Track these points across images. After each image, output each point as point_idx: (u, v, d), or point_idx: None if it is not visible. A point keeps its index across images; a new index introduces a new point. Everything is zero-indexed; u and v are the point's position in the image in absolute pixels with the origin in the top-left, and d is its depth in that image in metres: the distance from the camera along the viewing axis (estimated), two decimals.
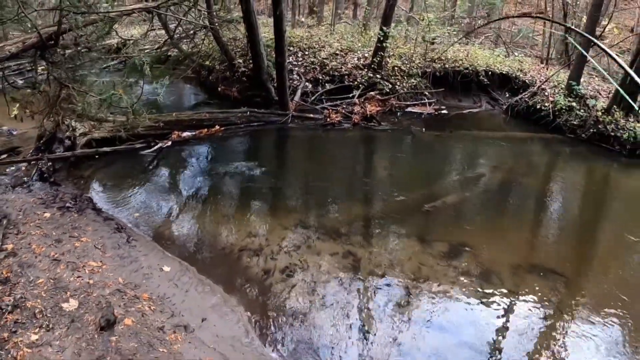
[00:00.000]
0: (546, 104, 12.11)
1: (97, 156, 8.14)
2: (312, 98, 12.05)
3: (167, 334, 4.19)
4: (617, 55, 17.77)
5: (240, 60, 12.50)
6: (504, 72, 13.84)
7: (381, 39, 12.38)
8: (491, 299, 5.45)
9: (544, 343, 4.93)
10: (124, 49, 10.96)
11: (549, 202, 8.74)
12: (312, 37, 14.40)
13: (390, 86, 12.57)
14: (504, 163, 10.25)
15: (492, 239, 6.87)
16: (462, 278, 5.77)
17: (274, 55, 11.12)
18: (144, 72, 6.35)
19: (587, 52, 12.63)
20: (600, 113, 11.29)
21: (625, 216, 8.33)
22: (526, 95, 12.78)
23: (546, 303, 5.46)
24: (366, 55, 13.38)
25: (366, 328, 4.87)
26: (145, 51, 12.05)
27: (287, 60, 11.42)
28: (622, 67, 9.40)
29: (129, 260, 5.30)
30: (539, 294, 5.61)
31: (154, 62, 9.53)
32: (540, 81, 13.10)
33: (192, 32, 11.63)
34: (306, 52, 13.40)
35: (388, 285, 5.56)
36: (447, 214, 7.55)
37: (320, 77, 12.66)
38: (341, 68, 12.88)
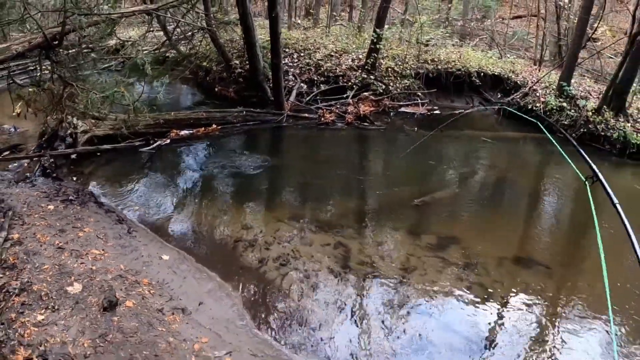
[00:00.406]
0: (537, 105, 12.38)
1: (98, 153, 8.40)
2: (307, 98, 12.32)
3: (166, 315, 4.45)
4: (610, 57, 18.12)
5: (237, 62, 12.76)
6: (496, 74, 14.15)
7: (375, 40, 12.67)
8: (476, 288, 5.69)
9: (527, 329, 5.17)
10: (123, 50, 11.23)
11: (538, 200, 9.02)
12: (307, 39, 14.68)
13: (383, 87, 12.87)
14: (494, 161, 10.52)
15: (480, 233, 7.14)
16: (448, 268, 6.02)
17: (269, 57, 11.39)
18: (146, 72, 6.60)
19: (578, 54, 12.95)
20: (590, 113, 11.56)
21: (614, 214, 8.56)
22: (518, 96, 13.06)
23: (530, 293, 5.71)
24: (360, 56, 13.66)
25: (355, 312, 5.12)
26: (144, 52, 12.33)
27: (283, 62, 11.71)
28: None
29: (129, 249, 5.56)
30: (523, 284, 5.87)
31: (153, 62, 9.78)
32: (532, 82, 13.39)
33: (190, 33, 11.90)
34: (302, 54, 13.68)
35: (377, 274, 5.82)
36: (436, 208, 7.82)
37: (315, 78, 12.93)
38: (336, 69, 13.16)
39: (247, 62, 12.20)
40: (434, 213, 7.73)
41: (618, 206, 3.56)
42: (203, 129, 10.04)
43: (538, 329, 5.18)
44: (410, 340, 4.81)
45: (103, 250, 5.34)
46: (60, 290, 4.45)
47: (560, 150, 5.31)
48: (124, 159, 8.62)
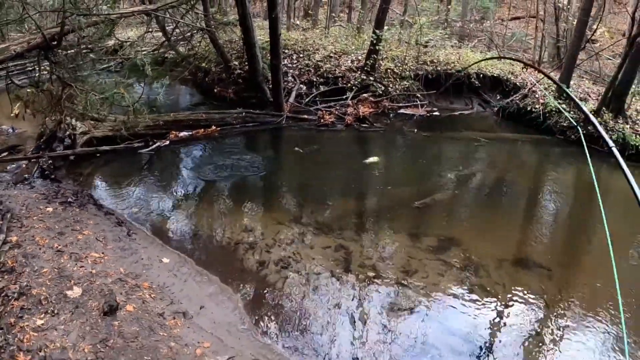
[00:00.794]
0: (537, 106, 12.37)
1: (97, 155, 8.36)
2: (307, 100, 12.27)
3: (167, 319, 4.41)
4: (608, 58, 18.18)
5: (236, 62, 12.72)
6: (495, 75, 14.13)
7: (374, 42, 12.64)
8: (477, 290, 5.68)
9: (527, 330, 5.16)
10: (121, 50, 11.18)
11: (537, 201, 9.01)
12: (306, 40, 14.64)
13: (383, 88, 12.84)
14: (494, 163, 10.51)
15: (480, 235, 7.12)
16: (449, 270, 6.00)
17: (269, 58, 11.35)
18: (146, 73, 6.56)
19: (577, 56, 12.95)
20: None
21: (612, 215, 8.58)
22: (517, 98, 13.05)
23: (530, 294, 5.69)
24: (360, 57, 13.62)
25: (357, 316, 5.09)
26: (142, 53, 12.28)
27: (282, 63, 11.65)
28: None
29: (129, 252, 5.51)
30: (524, 285, 5.84)
31: (152, 63, 9.74)
32: (531, 84, 13.38)
33: (189, 34, 11.85)
34: (301, 55, 13.64)
35: (378, 276, 5.79)
36: (437, 210, 7.80)
37: (315, 79, 12.89)
38: (335, 70, 13.12)
39: (246, 63, 12.16)
40: (434, 215, 7.71)
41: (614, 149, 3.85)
42: (202, 130, 10.00)
43: (540, 332, 5.17)
44: (413, 344, 4.78)
45: (103, 253, 5.30)
46: (59, 294, 4.41)
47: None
48: (123, 160, 8.58)
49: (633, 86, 11.86)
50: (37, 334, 3.91)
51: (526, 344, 4.97)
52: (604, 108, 11.54)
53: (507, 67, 14.71)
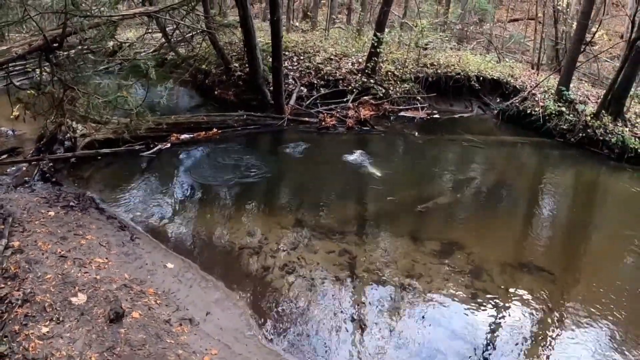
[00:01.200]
0: (536, 109, 12.39)
1: (98, 157, 8.29)
2: (307, 102, 12.23)
3: (174, 326, 4.36)
4: (606, 60, 18.20)
5: (237, 64, 12.67)
6: (495, 78, 14.16)
7: (375, 44, 12.63)
8: (481, 294, 5.67)
9: (530, 334, 5.17)
10: (120, 52, 11.10)
11: (538, 204, 9.02)
12: (307, 42, 14.60)
13: (383, 91, 12.81)
14: (495, 166, 10.51)
15: (482, 238, 7.11)
16: (453, 274, 6.00)
17: (269, 60, 11.30)
18: (150, 75, 6.49)
19: (577, 59, 12.97)
20: (589, 118, 11.59)
21: (612, 218, 8.61)
22: (517, 100, 13.06)
23: (533, 297, 5.71)
24: (360, 60, 13.61)
25: (361, 321, 5.06)
26: (142, 54, 12.22)
27: (283, 65, 11.60)
28: None
29: (133, 257, 5.46)
30: (527, 289, 5.87)
31: (154, 66, 9.67)
32: (531, 86, 13.40)
33: (189, 35, 11.78)
34: (301, 57, 13.59)
35: (382, 281, 5.77)
36: (439, 214, 7.78)
37: (315, 82, 12.85)
38: (336, 73, 13.09)
39: (246, 65, 12.10)
40: (437, 218, 7.70)
41: None
42: (204, 133, 9.94)
43: (544, 336, 5.18)
44: (419, 348, 4.78)
45: (106, 258, 5.24)
46: (64, 301, 4.35)
47: None
48: (124, 163, 8.52)
49: (632, 89, 11.89)
50: (43, 342, 3.85)
51: (530, 348, 4.99)
52: (603, 111, 11.57)
53: (507, 70, 14.73)
